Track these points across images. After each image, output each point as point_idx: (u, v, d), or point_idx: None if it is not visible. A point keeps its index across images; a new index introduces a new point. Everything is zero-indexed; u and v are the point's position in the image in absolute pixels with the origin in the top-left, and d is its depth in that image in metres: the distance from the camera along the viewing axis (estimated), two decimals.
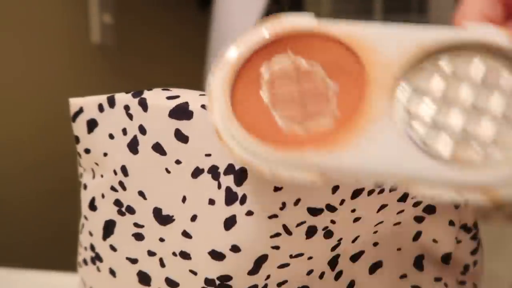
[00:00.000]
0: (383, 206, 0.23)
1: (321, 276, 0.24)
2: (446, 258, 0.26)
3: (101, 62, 0.88)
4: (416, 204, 0.24)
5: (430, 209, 0.25)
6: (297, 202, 0.21)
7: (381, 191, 0.21)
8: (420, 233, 0.25)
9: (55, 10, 0.75)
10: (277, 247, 0.22)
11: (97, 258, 0.27)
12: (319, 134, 0.17)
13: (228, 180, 0.22)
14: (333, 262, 0.24)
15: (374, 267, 0.25)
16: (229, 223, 0.22)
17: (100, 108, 0.25)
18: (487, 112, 0.16)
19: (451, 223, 0.25)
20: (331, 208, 0.21)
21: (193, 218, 0.23)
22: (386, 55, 0.17)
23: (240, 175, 0.21)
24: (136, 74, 1.00)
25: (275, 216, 0.21)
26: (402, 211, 0.24)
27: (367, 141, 0.16)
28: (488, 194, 0.15)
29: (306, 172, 0.16)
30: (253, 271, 0.22)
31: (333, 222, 0.22)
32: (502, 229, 1.37)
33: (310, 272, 0.24)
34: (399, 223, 0.25)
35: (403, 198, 0.22)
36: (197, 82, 1.21)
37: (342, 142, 0.16)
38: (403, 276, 0.26)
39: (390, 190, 0.21)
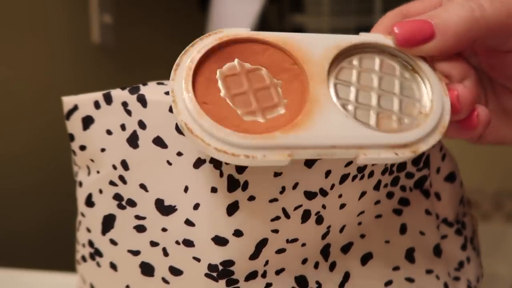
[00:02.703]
0: (363, 193, 0.24)
1: (316, 266, 0.25)
2: (437, 251, 0.27)
3: (101, 62, 0.88)
4: (390, 196, 0.26)
5: (405, 201, 0.27)
6: (295, 186, 0.22)
7: (362, 177, 0.24)
8: (405, 225, 0.27)
9: (55, 10, 0.76)
10: (276, 231, 0.23)
11: (96, 254, 0.27)
12: (278, 121, 0.20)
13: (229, 168, 0.22)
14: (325, 252, 0.25)
15: (365, 259, 0.26)
16: (232, 208, 0.22)
17: (96, 105, 0.25)
18: (390, 92, 0.22)
19: (428, 212, 0.27)
20: (323, 192, 0.23)
21: (196, 206, 0.23)
22: (316, 55, 0.22)
23: None
24: (136, 74, 1.00)
25: (275, 200, 0.22)
26: (379, 201, 0.26)
27: (321, 120, 0.20)
28: (412, 149, 0.21)
29: (278, 152, 0.19)
30: (254, 255, 0.23)
31: (323, 207, 0.24)
32: (502, 229, 1.37)
33: (305, 261, 0.25)
34: (380, 216, 0.26)
35: (377, 186, 0.25)
36: None
37: (301, 124, 0.20)
38: (396, 268, 0.27)
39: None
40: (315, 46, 0.22)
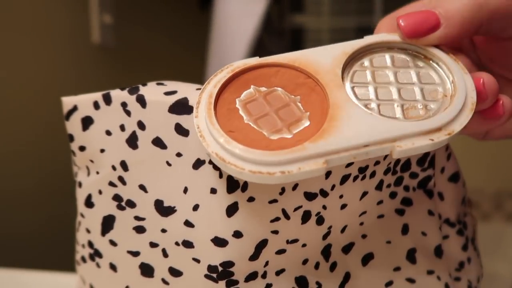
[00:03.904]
0: (364, 194, 0.24)
1: (317, 266, 0.25)
2: (438, 251, 0.27)
3: (101, 62, 0.88)
4: (393, 196, 0.26)
5: (407, 201, 0.26)
6: (295, 187, 0.22)
7: (363, 177, 0.24)
8: (407, 226, 0.26)
9: (55, 10, 0.76)
10: (276, 232, 0.23)
11: (96, 255, 0.27)
12: (305, 133, 0.21)
13: None
14: (326, 252, 0.25)
15: (366, 259, 0.26)
16: (231, 210, 0.23)
17: (96, 105, 0.25)
18: (409, 83, 0.23)
19: (430, 212, 0.27)
20: (323, 193, 0.23)
21: (195, 207, 0.23)
22: (326, 65, 0.23)
23: None
24: (136, 74, 1.00)
25: (275, 201, 0.22)
26: (381, 202, 0.25)
27: (347, 122, 0.21)
28: (446, 131, 0.21)
29: (312, 162, 0.20)
30: (254, 256, 0.23)
31: (324, 207, 0.24)
32: (502, 229, 1.37)
33: (305, 262, 0.25)
34: (382, 216, 0.26)
35: (379, 186, 0.25)
36: (197, 82, 1.21)
37: (329, 131, 0.20)
38: (397, 269, 0.27)
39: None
40: (323, 57, 0.23)
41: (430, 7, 0.23)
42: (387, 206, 0.26)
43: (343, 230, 0.25)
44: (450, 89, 0.22)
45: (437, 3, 0.23)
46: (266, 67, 0.23)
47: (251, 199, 0.22)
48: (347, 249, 0.26)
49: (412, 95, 0.22)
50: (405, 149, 0.20)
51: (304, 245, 0.24)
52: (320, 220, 0.24)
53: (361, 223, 0.26)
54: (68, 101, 0.27)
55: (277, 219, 0.23)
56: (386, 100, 0.22)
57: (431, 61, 0.23)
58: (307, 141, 0.20)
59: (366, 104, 0.22)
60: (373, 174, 0.24)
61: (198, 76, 1.20)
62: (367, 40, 0.24)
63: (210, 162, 0.23)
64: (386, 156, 0.24)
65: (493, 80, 0.22)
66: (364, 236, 0.26)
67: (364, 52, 0.24)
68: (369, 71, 0.23)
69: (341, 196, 0.24)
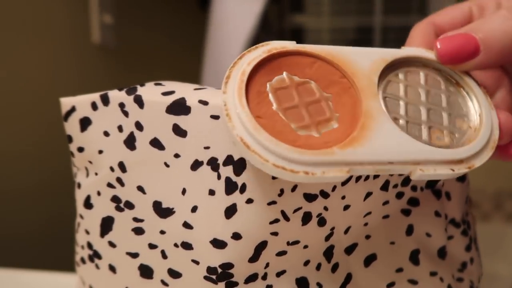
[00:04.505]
0: (368, 194, 0.24)
1: (318, 267, 0.25)
2: (442, 253, 0.27)
3: (101, 62, 0.88)
4: (399, 196, 0.25)
5: (414, 202, 0.26)
6: (294, 188, 0.22)
7: (367, 177, 0.23)
8: (412, 227, 0.26)
9: (55, 10, 0.75)
10: (275, 233, 0.23)
11: (95, 256, 0.27)
12: (333, 136, 0.20)
13: (227, 171, 0.22)
14: (328, 253, 0.25)
15: (369, 260, 0.26)
16: (230, 211, 0.22)
17: (94, 106, 0.25)
18: (439, 106, 0.22)
19: (437, 214, 0.26)
20: (324, 194, 0.23)
21: (194, 209, 0.23)
22: (364, 68, 0.22)
23: (239, 165, 0.22)
24: (136, 74, 1.00)
25: (273, 202, 0.22)
26: (387, 202, 0.25)
27: (377, 135, 0.20)
28: (467, 165, 0.21)
29: (336, 168, 0.19)
30: (254, 258, 0.23)
31: (325, 209, 0.23)
32: (502, 229, 1.37)
33: (307, 263, 0.25)
34: (387, 216, 0.26)
35: (385, 186, 0.24)
36: (197, 83, 1.21)
37: (359, 140, 0.20)
38: (399, 270, 0.26)
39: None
40: (362, 59, 0.22)
41: (470, 30, 0.22)
42: (393, 206, 0.26)
43: (346, 231, 0.25)
44: (476, 122, 0.22)
45: (479, 26, 0.22)
46: (303, 55, 0.22)
47: (249, 201, 0.22)
48: (350, 250, 0.26)
49: (439, 119, 0.22)
50: (426, 174, 0.20)
51: (305, 247, 0.24)
52: (322, 221, 0.24)
53: (365, 224, 0.25)
54: (66, 102, 0.27)
55: (276, 220, 0.23)
56: (415, 119, 0.22)
57: (462, 89, 0.23)
58: (335, 145, 0.20)
59: (395, 118, 0.21)
60: (377, 175, 0.24)
61: (198, 76, 1.20)
62: (405, 52, 0.23)
63: (208, 163, 0.23)
64: None
65: (510, 120, 0.22)
66: (368, 237, 0.26)
67: (400, 63, 0.23)
68: (402, 84, 0.23)
69: (343, 197, 0.23)
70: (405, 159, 0.20)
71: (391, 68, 0.23)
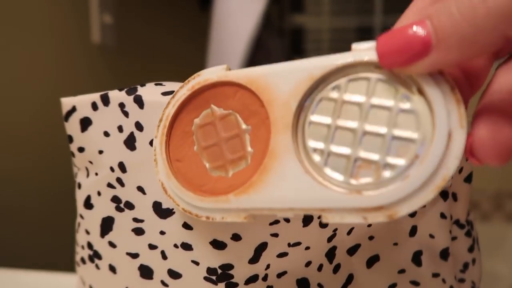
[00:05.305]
0: None
1: (320, 268, 0.25)
2: (445, 254, 0.26)
3: (101, 62, 0.88)
4: None
5: None
6: None
7: None
8: (415, 228, 0.26)
9: (55, 10, 0.75)
10: (276, 235, 0.23)
11: (95, 256, 0.27)
12: (241, 176, 0.20)
13: None
14: (330, 255, 0.25)
15: (371, 261, 0.26)
16: None
17: (94, 106, 0.25)
18: (376, 133, 0.17)
19: (443, 215, 0.26)
20: None
21: None
22: (282, 92, 0.19)
23: None
24: (136, 74, 1.00)
25: None
26: None
27: (276, 179, 0.18)
28: (387, 212, 0.16)
29: (234, 214, 0.19)
30: (254, 259, 0.23)
31: None
32: (502, 229, 1.37)
33: (308, 264, 0.25)
34: None
35: None
36: None
37: (256, 184, 0.19)
38: (402, 271, 0.26)
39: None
40: (285, 81, 0.19)
41: (424, 15, 0.16)
42: None
43: (349, 232, 0.25)
44: (425, 150, 0.16)
45: (434, 10, 0.16)
46: (226, 85, 0.21)
47: None
48: (352, 251, 0.25)
49: (373, 148, 0.17)
50: (332, 221, 0.17)
51: (307, 248, 0.24)
52: (323, 223, 0.24)
53: (369, 225, 0.25)
54: (67, 102, 0.27)
55: (276, 222, 0.23)
56: (339, 150, 0.18)
57: (423, 98, 0.17)
58: (232, 192, 0.19)
59: (313, 151, 0.18)
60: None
61: None
62: (352, 56, 0.18)
63: None
64: None
65: (488, 142, 0.15)
66: (371, 238, 0.26)
67: (346, 70, 0.18)
68: (336, 102, 0.18)
69: None
70: (306, 206, 0.18)
71: (331, 79, 0.18)
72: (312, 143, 0.18)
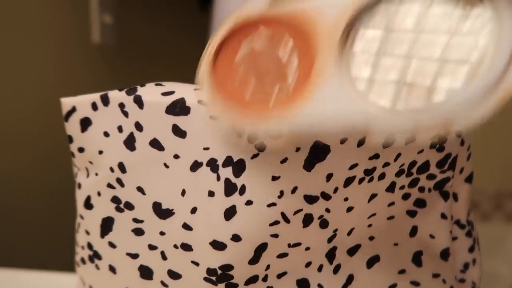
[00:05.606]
0: (373, 196, 0.24)
1: (320, 268, 0.25)
2: (445, 254, 0.27)
3: (101, 62, 0.88)
4: (406, 197, 0.25)
5: (421, 203, 0.26)
6: (294, 190, 0.22)
7: (371, 179, 0.23)
8: (416, 228, 0.26)
9: (55, 10, 0.75)
10: (276, 235, 0.23)
11: (95, 256, 0.27)
12: (283, 98, 0.19)
13: (227, 172, 0.22)
14: (330, 255, 0.25)
15: (372, 261, 0.26)
16: (229, 213, 0.22)
17: (94, 106, 0.25)
18: (430, 49, 0.16)
19: (443, 216, 0.26)
20: (326, 196, 0.23)
21: (193, 210, 0.23)
22: (327, 23, 0.18)
23: (239, 166, 0.22)
24: (136, 74, 1.00)
25: (273, 204, 0.22)
26: (393, 203, 0.25)
27: (321, 96, 0.17)
28: (443, 125, 0.15)
29: (275, 130, 0.18)
30: (254, 260, 0.23)
31: (327, 210, 0.23)
32: (502, 229, 1.37)
33: (308, 264, 0.25)
34: (392, 217, 0.25)
35: (391, 188, 0.24)
36: None
37: (301, 100, 0.18)
38: (402, 272, 0.26)
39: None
40: (330, 6, 0.18)
41: None
42: (398, 207, 0.25)
43: (349, 233, 0.25)
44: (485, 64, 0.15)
45: None
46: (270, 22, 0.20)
47: (249, 203, 0.22)
48: (352, 251, 0.25)
49: (421, 73, 0.16)
50: (378, 141, 0.16)
51: (307, 248, 0.24)
52: (324, 223, 0.23)
53: (370, 225, 0.25)
54: (67, 102, 0.27)
55: (276, 222, 0.23)
56: (382, 79, 0.17)
57: (487, 6, 0.15)
58: (277, 109, 0.18)
59: (354, 80, 0.17)
60: (382, 176, 0.23)
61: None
62: None
63: (208, 164, 0.23)
64: (397, 158, 0.22)
65: None
66: (371, 238, 0.26)
67: None
68: (382, 27, 0.17)
69: (346, 199, 0.23)
70: (351, 120, 0.17)
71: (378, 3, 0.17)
72: (356, 71, 0.17)
